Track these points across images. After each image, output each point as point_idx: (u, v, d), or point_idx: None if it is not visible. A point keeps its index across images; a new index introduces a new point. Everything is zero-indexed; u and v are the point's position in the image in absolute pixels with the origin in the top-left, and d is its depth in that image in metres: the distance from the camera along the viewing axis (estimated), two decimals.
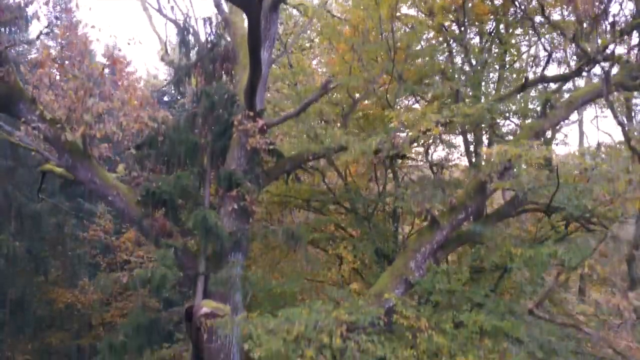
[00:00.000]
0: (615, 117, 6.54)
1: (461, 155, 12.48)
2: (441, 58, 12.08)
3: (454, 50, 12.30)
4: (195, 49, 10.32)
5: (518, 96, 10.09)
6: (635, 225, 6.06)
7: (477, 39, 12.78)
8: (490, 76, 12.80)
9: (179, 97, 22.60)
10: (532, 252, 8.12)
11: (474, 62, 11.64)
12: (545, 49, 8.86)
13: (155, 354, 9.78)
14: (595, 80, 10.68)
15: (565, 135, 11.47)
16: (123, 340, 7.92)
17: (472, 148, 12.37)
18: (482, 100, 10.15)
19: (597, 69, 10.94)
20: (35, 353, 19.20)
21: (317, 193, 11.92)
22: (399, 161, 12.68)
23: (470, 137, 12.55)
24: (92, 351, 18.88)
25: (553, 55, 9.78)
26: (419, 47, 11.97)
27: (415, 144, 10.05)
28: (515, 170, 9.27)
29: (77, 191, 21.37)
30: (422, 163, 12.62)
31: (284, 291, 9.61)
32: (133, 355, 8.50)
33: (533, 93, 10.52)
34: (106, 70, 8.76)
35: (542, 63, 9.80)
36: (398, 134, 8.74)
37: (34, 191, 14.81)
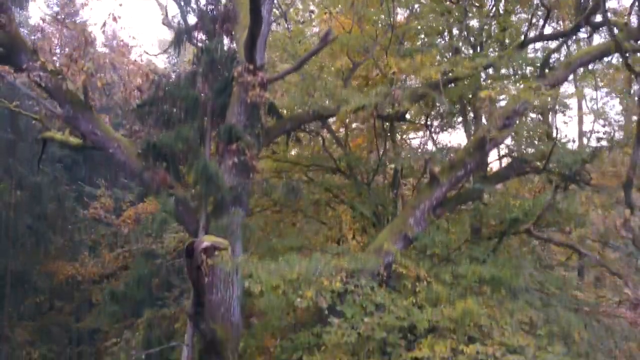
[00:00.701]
0: (611, 34, 6.44)
1: (459, 123, 12.48)
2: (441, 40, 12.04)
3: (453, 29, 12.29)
4: (196, 10, 10.37)
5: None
6: (633, 150, 6.09)
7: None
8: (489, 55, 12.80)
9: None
10: (531, 203, 8.18)
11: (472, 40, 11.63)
12: (544, 5, 8.86)
13: (155, 313, 9.81)
14: (594, 43, 10.73)
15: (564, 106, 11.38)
16: (124, 290, 7.96)
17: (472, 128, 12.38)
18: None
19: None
20: (36, 334, 19.20)
21: (316, 157, 11.96)
22: (399, 130, 12.74)
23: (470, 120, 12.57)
24: (91, 335, 18.88)
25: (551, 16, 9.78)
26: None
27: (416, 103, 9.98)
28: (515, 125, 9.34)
29: (78, 175, 21.48)
30: (420, 127, 12.62)
31: (284, 247, 9.66)
32: (134, 309, 8.54)
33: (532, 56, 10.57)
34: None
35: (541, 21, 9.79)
36: (398, 89, 8.79)
37: (34, 165, 14.83)
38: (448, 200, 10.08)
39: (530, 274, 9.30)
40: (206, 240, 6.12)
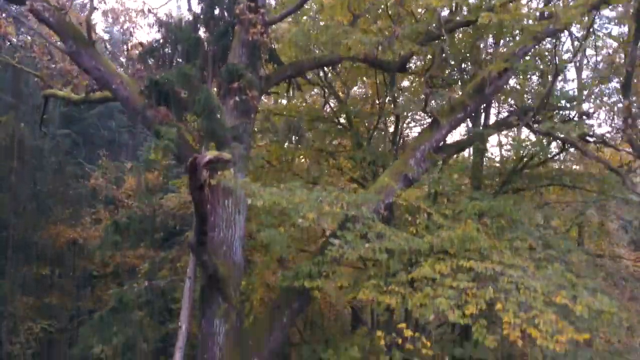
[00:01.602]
0: None
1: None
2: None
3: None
4: None
5: None
6: (631, 46, 6.15)
7: None
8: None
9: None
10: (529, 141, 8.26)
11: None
12: None
13: (157, 257, 9.88)
14: None
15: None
16: (127, 221, 8.02)
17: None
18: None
19: None
20: (37, 310, 19.23)
21: (316, 111, 12.02)
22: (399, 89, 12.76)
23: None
24: (91, 312, 18.91)
25: None
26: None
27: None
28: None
29: (79, 154, 21.56)
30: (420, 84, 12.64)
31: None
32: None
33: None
34: None
35: None
36: (398, 28, 8.86)
37: (36, 129, 14.86)
38: (449, 145, 10.18)
39: (530, 216, 9.40)
40: (209, 154, 6.15)
